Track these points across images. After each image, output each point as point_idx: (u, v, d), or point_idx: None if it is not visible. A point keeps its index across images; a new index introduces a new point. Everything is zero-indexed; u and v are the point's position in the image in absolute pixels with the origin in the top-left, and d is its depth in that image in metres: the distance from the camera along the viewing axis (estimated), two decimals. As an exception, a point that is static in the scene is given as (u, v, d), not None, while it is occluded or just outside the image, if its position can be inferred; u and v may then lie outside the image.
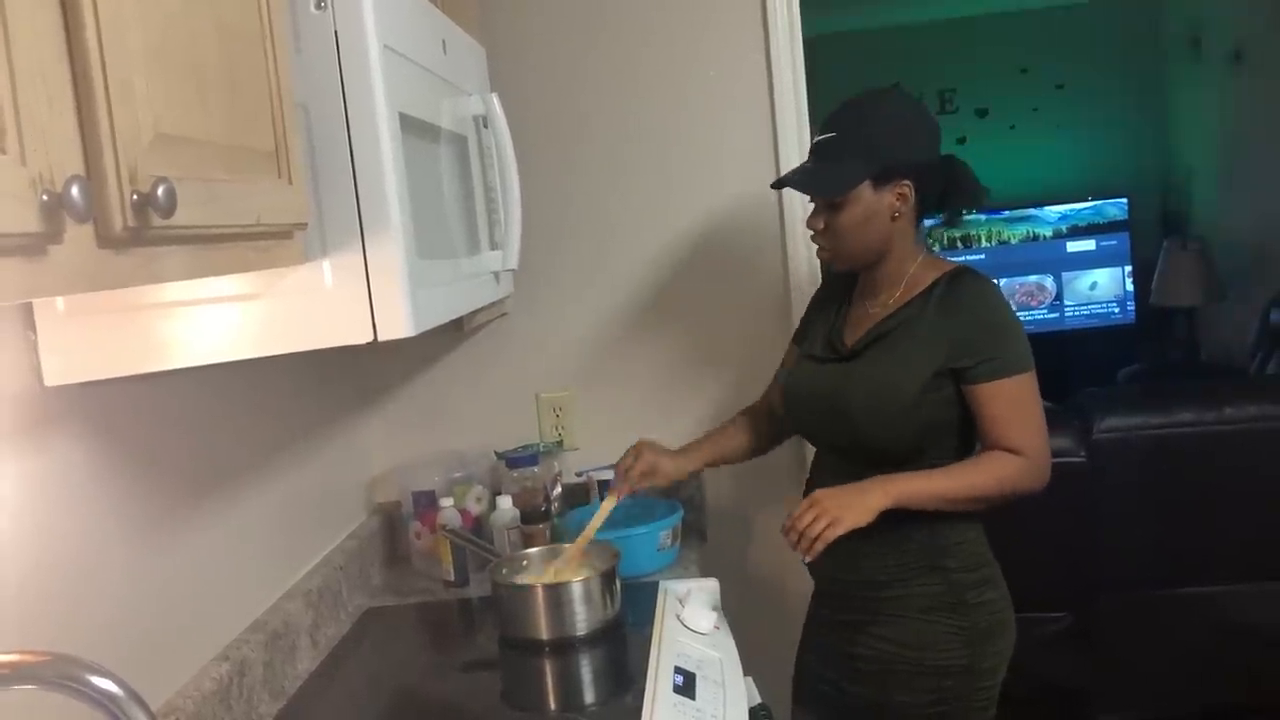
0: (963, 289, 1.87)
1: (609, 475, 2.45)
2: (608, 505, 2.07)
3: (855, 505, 1.76)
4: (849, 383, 1.89)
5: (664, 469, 2.07)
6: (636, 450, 2.08)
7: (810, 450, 2.15)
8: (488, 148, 1.98)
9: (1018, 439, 1.82)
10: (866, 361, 1.89)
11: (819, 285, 2.21)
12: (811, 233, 1.94)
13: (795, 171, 1.95)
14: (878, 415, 1.84)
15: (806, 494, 2.03)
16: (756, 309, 2.55)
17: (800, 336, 2.13)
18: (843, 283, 2.05)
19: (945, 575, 1.87)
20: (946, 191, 1.92)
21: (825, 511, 1.75)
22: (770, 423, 2.19)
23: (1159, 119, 6.22)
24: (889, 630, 1.89)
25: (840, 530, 1.74)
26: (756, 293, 2.55)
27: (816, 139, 1.91)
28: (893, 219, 1.87)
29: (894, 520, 1.77)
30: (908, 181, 1.85)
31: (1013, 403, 1.82)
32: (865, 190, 1.84)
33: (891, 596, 1.88)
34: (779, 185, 1.97)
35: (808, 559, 1.77)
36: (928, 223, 1.98)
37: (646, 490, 2.13)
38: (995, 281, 1.93)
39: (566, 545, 2.13)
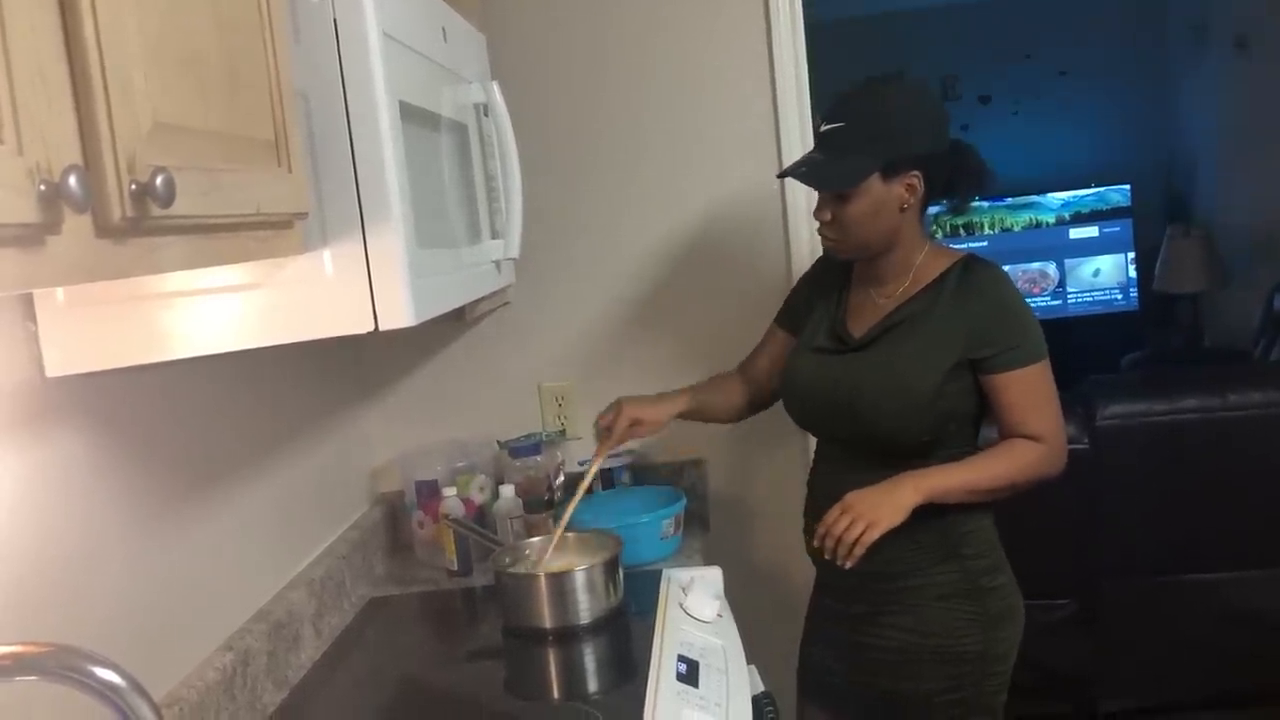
0: (977, 279, 1.85)
1: (613, 464, 2.46)
2: (595, 465, 2.04)
3: (887, 505, 1.74)
4: (861, 376, 1.87)
5: (647, 417, 2.03)
6: (617, 407, 2.04)
7: (814, 440, 2.14)
8: (488, 136, 1.97)
9: (1036, 426, 1.82)
10: (878, 353, 1.88)
11: (811, 268, 2.18)
12: (818, 223, 1.92)
13: (802, 162, 1.91)
14: (892, 409, 1.83)
15: (810, 485, 2.04)
16: (759, 298, 2.53)
17: (791, 321, 2.10)
18: (839, 268, 2.02)
19: (961, 562, 1.87)
20: (954, 178, 1.89)
21: (860, 515, 1.74)
22: (746, 393, 2.16)
23: (1162, 105, 6.19)
24: (904, 619, 1.89)
25: (877, 533, 1.72)
26: (759, 281, 2.55)
27: (823, 128, 1.87)
28: (901, 210, 1.84)
29: (912, 512, 1.76)
30: (917, 173, 1.82)
31: (1031, 391, 1.82)
32: (874, 182, 1.82)
33: (908, 586, 1.88)
34: (785, 175, 1.93)
35: (848, 565, 1.75)
36: (932, 210, 1.96)
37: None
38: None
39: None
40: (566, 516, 2.02)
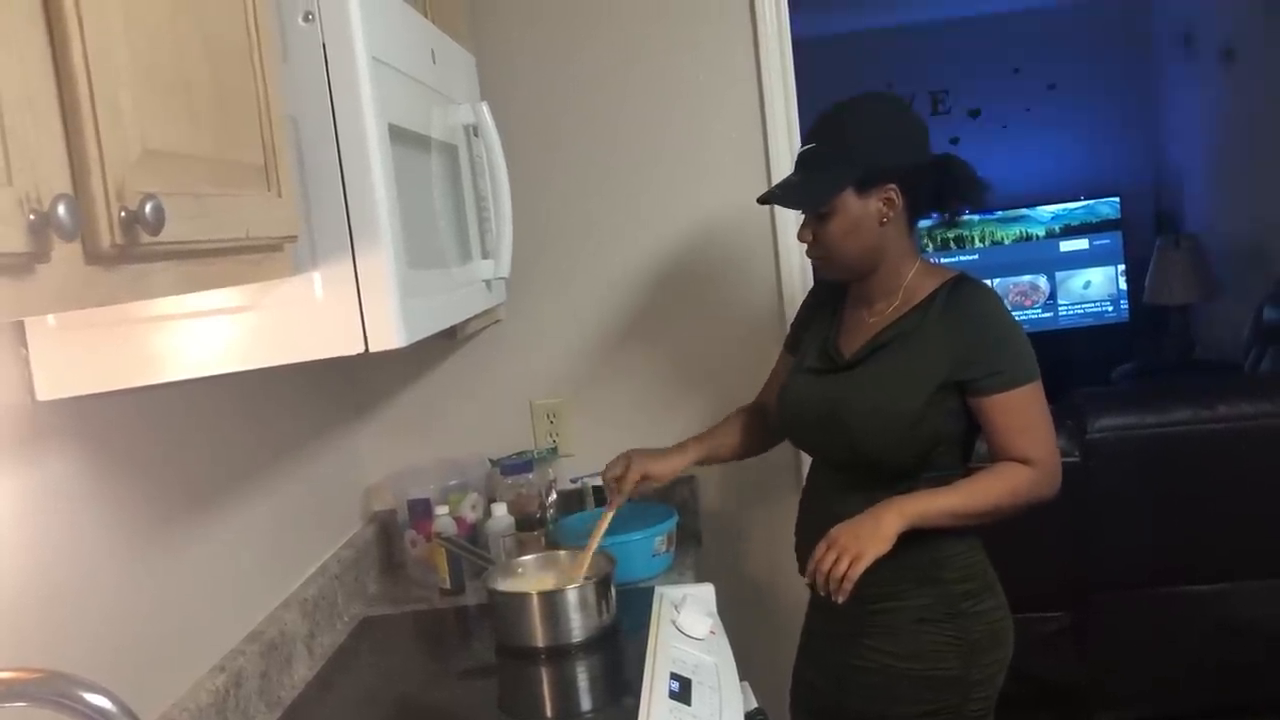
0: (965, 299, 1.84)
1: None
2: (606, 518, 2.05)
3: (872, 536, 1.72)
4: (848, 395, 1.87)
5: (656, 472, 2.05)
6: (626, 459, 2.05)
7: (807, 458, 2.14)
8: (478, 156, 1.98)
9: (1027, 449, 1.80)
10: (866, 373, 1.87)
11: (810, 290, 2.19)
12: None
13: (779, 185, 1.94)
14: (878, 429, 1.82)
15: (802, 504, 2.04)
16: (749, 314, 2.55)
17: (793, 345, 2.11)
18: (834, 289, 2.02)
19: (940, 587, 1.85)
20: (940, 191, 1.89)
21: (845, 550, 1.72)
22: (764, 424, 2.17)
23: (1151, 118, 6.23)
24: (883, 641, 1.88)
25: (864, 565, 1.70)
26: (749, 298, 2.56)
27: (800, 150, 1.89)
28: (881, 224, 1.84)
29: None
30: (893, 185, 1.82)
31: (1021, 413, 1.80)
32: (849, 198, 1.82)
33: (887, 609, 1.87)
34: (765, 201, 1.95)
35: (840, 600, 1.72)
36: (924, 224, 1.96)
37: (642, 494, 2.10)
38: (992, 285, 1.92)
39: (561, 553, 2.12)
40: (586, 561, 2.00)
